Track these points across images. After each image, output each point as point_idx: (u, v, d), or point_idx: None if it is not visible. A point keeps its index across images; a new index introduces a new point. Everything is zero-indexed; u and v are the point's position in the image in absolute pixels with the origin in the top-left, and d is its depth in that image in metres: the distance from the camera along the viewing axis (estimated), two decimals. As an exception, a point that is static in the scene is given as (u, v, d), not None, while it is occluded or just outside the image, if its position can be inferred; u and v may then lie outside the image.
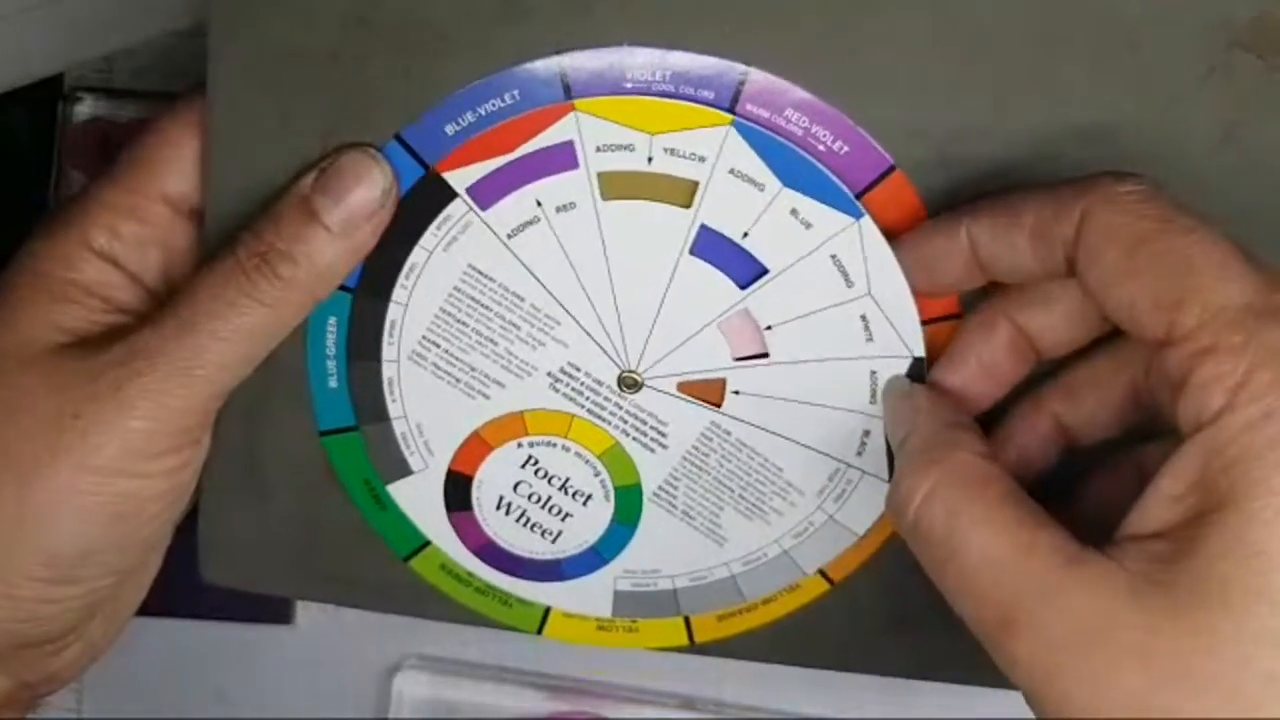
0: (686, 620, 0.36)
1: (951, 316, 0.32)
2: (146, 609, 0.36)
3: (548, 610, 0.36)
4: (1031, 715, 0.26)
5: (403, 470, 0.35)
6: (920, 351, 0.32)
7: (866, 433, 0.33)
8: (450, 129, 0.31)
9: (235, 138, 0.31)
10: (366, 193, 0.31)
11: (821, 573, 0.35)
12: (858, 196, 0.30)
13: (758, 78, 0.29)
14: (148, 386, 0.30)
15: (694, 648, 0.36)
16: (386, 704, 0.45)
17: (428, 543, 0.36)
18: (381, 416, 0.34)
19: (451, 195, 0.31)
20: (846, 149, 0.30)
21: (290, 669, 0.42)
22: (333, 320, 0.33)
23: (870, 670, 0.36)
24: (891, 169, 0.30)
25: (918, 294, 0.31)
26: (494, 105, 0.30)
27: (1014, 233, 0.28)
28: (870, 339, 0.32)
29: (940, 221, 0.30)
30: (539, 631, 0.37)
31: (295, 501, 0.35)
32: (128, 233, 0.32)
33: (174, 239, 0.33)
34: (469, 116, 0.30)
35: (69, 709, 0.47)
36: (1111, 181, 0.27)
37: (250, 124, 0.31)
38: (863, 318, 0.31)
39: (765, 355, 0.32)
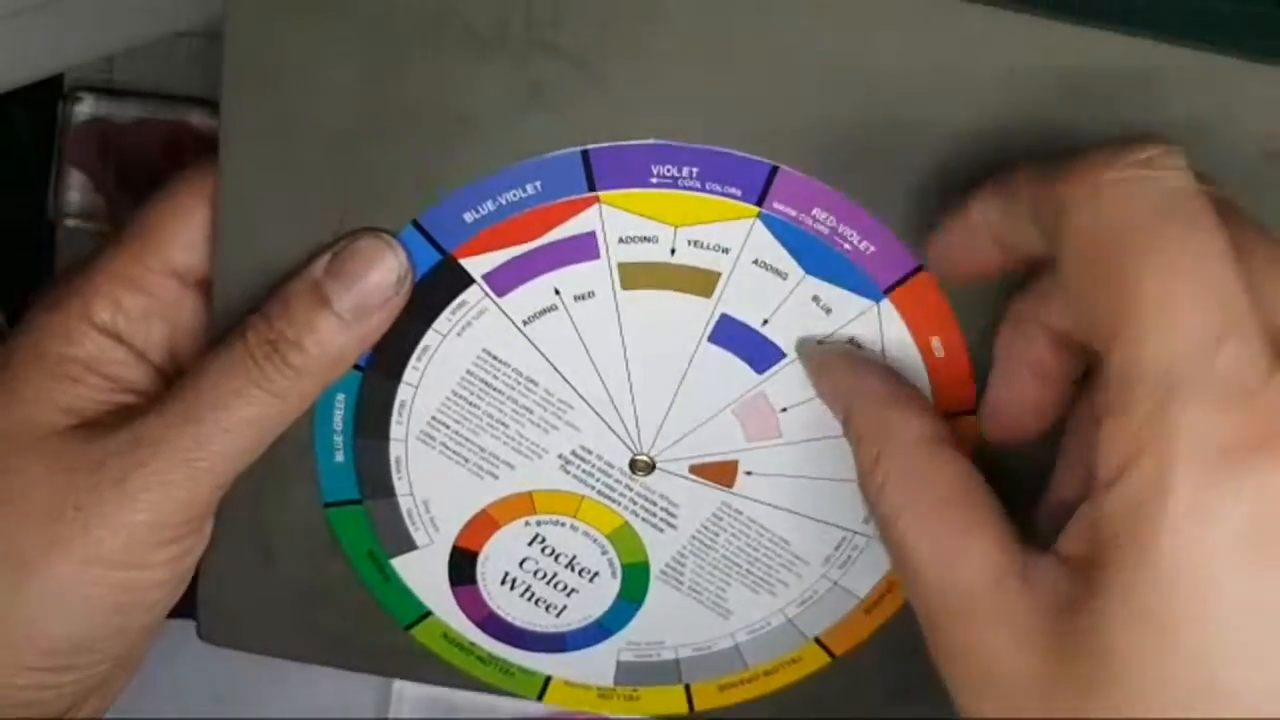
0: (687, 689, 0.36)
1: (967, 413, 0.32)
2: None
3: (548, 679, 0.36)
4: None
5: (407, 545, 0.34)
6: None
7: None
8: (470, 216, 0.30)
9: (246, 216, 0.30)
10: (380, 279, 0.30)
11: (823, 645, 0.35)
12: (884, 293, 0.30)
13: (786, 175, 0.29)
14: (151, 478, 0.30)
15: (693, 716, 0.37)
16: (386, 704, 0.45)
17: (429, 613, 0.35)
18: (388, 493, 0.33)
19: (469, 281, 0.31)
20: (873, 249, 0.30)
21: (290, 669, 0.41)
22: (341, 397, 0.32)
23: None
24: (918, 269, 0.30)
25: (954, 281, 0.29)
26: (516, 195, 0.30)
27: (1016, 211, 0.25)
28: None
29: (953, 209, 0.27)
30: (539, 698, 0.37)
31: (297, 569, 0.35)
32: (132, 306, 0.31)
33: (180, 313, 0.32)
34: (489, 205, 0.30)
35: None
36: (1104, 163, 0.23)
37: (262, 203, 0.30)
38: None
39: (779, 436, 0.32)
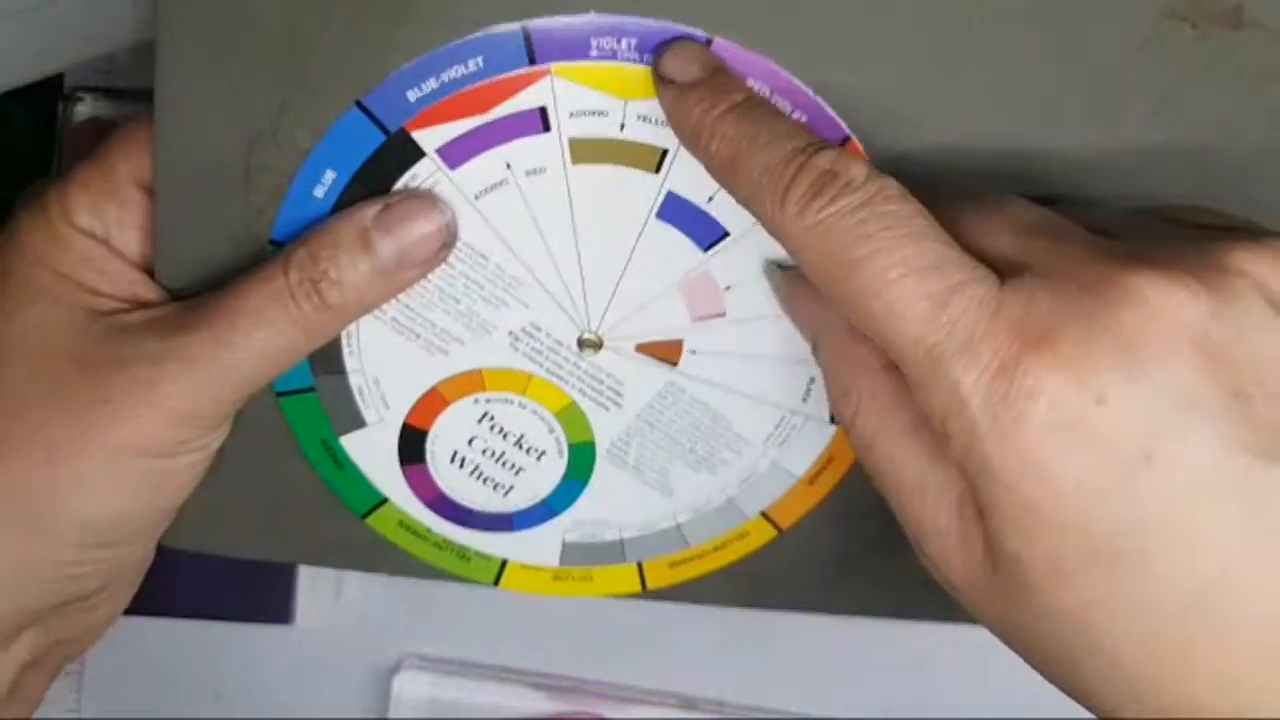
0: (640, 567, 0.37)
1: None
2: (146, 609, 0.36)
3: (504, 563, 0.37)
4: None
5: (358, 423, 0.35)
6: None
7: (812, 380, 0.34)
8: (413, 95, 0.30)
9: (184, 109, 0.31)
10: (426, 239, 0.31)
11: (769, 519, 0.37)
12: None
13: (720, 46, 0.30)
14: (177, 390, 0.31)
15: (647, 594, 0.38)
16: (386, 704, 0.46)
17: (384, 500, 0.36)
18: (338, 370, 0.34)
19: (420, 154, 0.31)
20: (805, 118, 0.31)
21: (290, 669, 0.42)
22: (290, 275, 0.33)
23: (820, 610, 0.38)
24: (846, 139, 0.31)
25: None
26: (458, 71, 0.30)
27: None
28: None
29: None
30: (496, 583, 0.37)
31: (253, 464, 0.35)
32: (109, 213, 0.32)
33: (151, 223, 0.33)
34: (432, 83, 0.30)
35: (69, 709, 0.46)
36: (797, 215, 0.27)
37: (200, 93, 0.30)
38: None
39: (723, 314, 0.33)
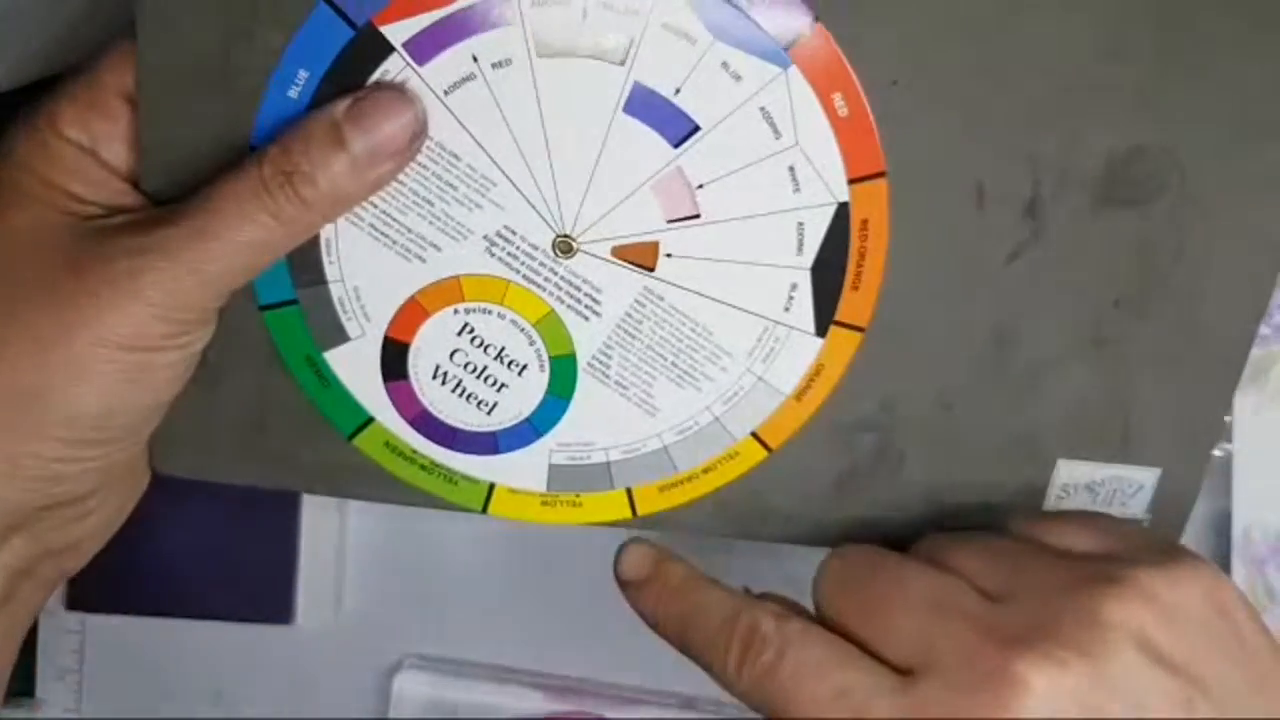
0: (629, 493, 0.37)
1: (877, 175, 0.33)
2: (147, 609, 0.37)
3: (492, 487, 0.37)
4: None
5: (340, 337, 0.35)
6: (845, 197, 0.33)
7: (794, 286, 0.34)
8: None
9: (162, 12, 0.32)
10: (396, 130, 0.32)
11: (758, 439, 0.36)
12: (785, 49, 0.31)
13: None
14: (160, 280, 0.31)
15: (637, 520, 0.37)
16: (386, 704, 0.46)
17: (370, 419, 0.36)
18: (319, 280, 0.34)
19: (389, 49, 0.32)
20: (770, 0, 0.31)
21: (290, 669, 0.42)
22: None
23: (817, 540, 0.37)
24: (814, 21, 0.31)
25: None
26: None
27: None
28: (797, 189, 0.33)
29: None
30: (484, 509, 0.37)
31: (239, 384, 0.36)
32: (96, 126, 0.33)
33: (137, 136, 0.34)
34: None
35: (69, 709, 0.47)
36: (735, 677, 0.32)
37: (175, 2, 0.32)
38: (790, 168, 0.32)
39: (697, 216, 0.33)
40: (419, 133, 0.32)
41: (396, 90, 0.32)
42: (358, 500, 0.37)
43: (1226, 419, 0.43)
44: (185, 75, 0.32)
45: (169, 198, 0.33)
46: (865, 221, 0.33)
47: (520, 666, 0.46)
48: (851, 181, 0.33)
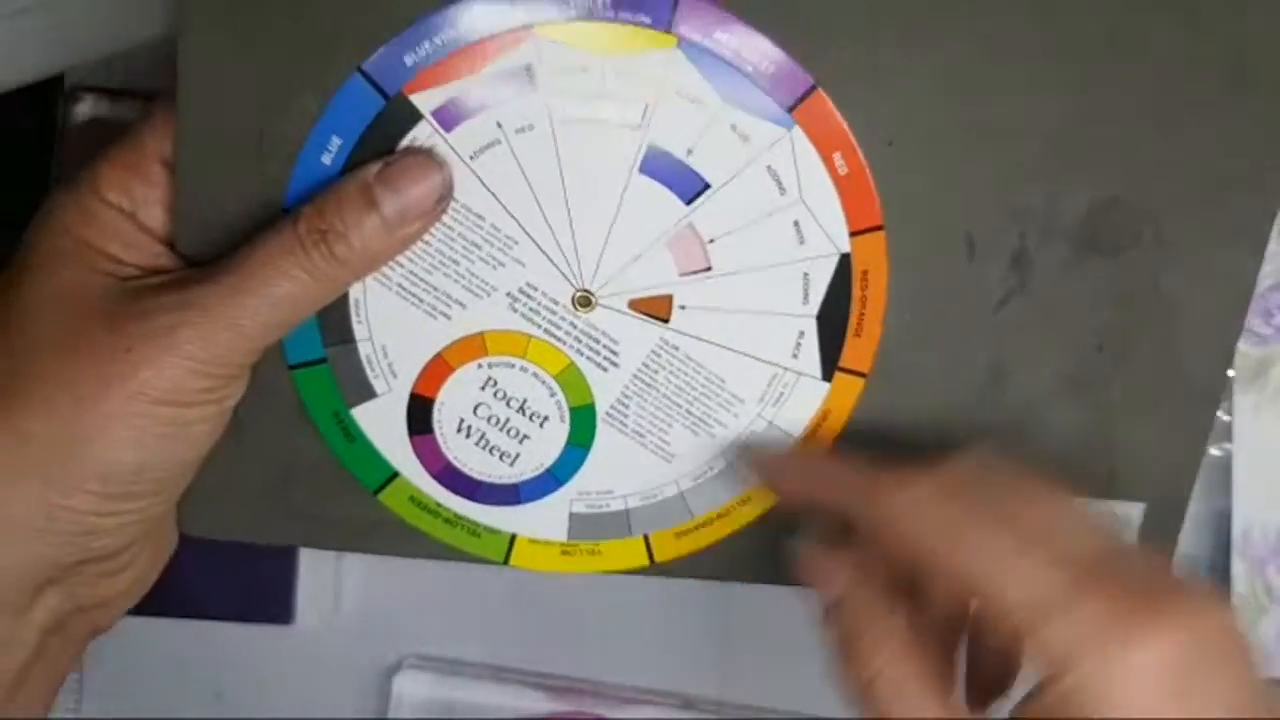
0: (646, 540, 0.38)
1: (874, 229, 0.35)
2: (147, 609, 0.37)
3: (513, 538, 0.38)
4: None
5: (367, 393, 0.36)
6: (846, 249, 0.35)
7: (801, 334, 0.36)
8: (410, 59, 0.33)
9: (203, 80, 0.34)
10: (424, 192, 0.34)
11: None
12: (788, 111, 0.34)
13: (688, 3, 0.33)
14: (196, 335, 0.33)
15: (655, 568, 0.38)
16: (386, 704, 0.46)
17: (395, 474, 0.37)
18: (347, 339, 0.36)
19: (418, 117, 0.34)
20: (771, 69, 0.33)
21: (290, 669, 0.42)
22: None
23: None
24: (814, 87, 0.34)
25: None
26: (450, 34, 0.33)
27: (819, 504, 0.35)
28: (802, 241, 0.35)
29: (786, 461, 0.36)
30: (505, 560, 0.38)
31: (266, 442, 0.37)
32: (136, 189, 0.35)
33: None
34: (426, 46, 0.33)
35: (69, 709, 0.47)
36: (892, 492, 0.32)
37: (217, 66, 0.33)
38: (795, 223, 0.35)
39: (709, 269, 0.35)
40: (446, 195, 0.34)
41: (425, 155, 0.34)
42: (385, 556, 0.38)
43: (1226, 419, 0.44)
44: (222, 141, 0.34)
45: (204, 259, 0.35)
46: (866, 272, 0.35)
47: (520, 666, 0.47)
48: (853, 234, 0.35)
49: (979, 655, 0.35)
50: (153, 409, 0.33)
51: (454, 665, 0.46)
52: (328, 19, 0.33)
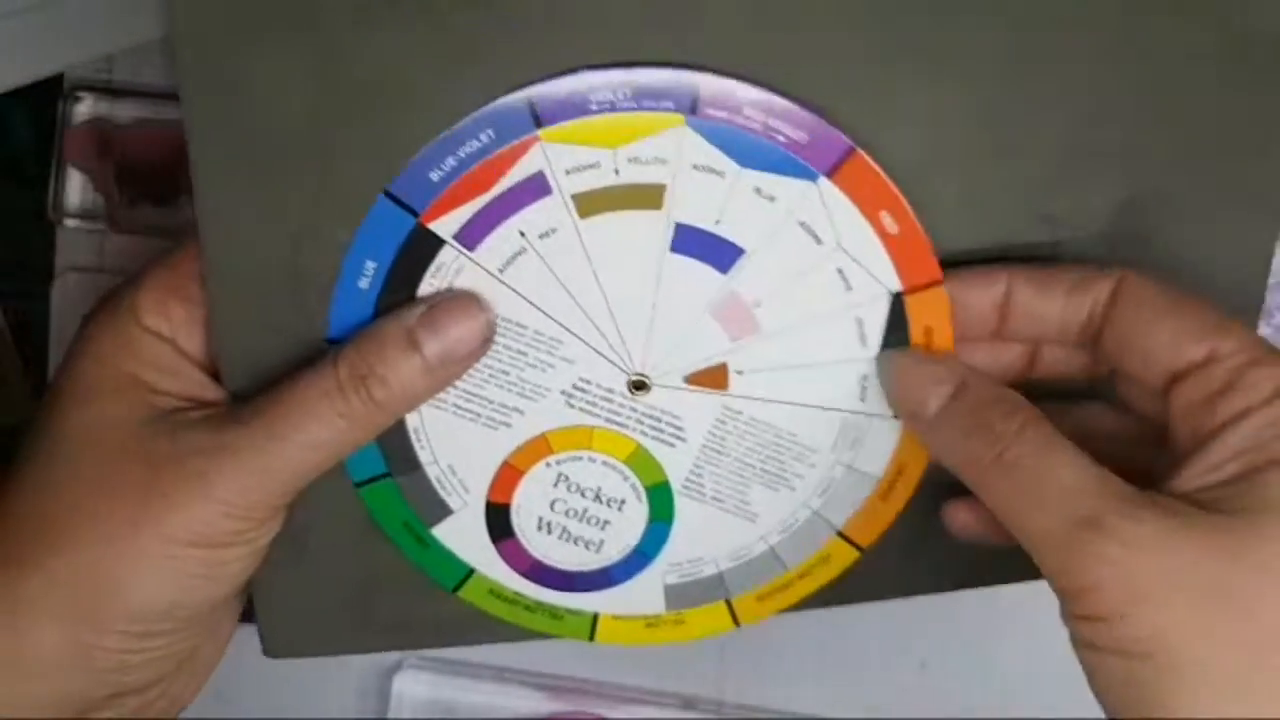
0: (729, 604, 0.38)
1: (935, 284, 0.34)
2: None
3: (596, 616, 0.38)
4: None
5: (443, 512, 0.36)
6: (896, 286, 0.34)
7: (864, 377, 0.35)
8: (435, 175, 0.33)
9: (225, 218, 0.33)
10: (467, 334, 0.33)
11: (849, 540, 0.37)
12: (827, 176, 0.33)
13: (710, 82, 0.32)
14: (229, 480, 0.33)
15: (740, 631, 0.38)
16: (386, 704, 0.46)
17: (472, 570, 0.37)
18: (414, 466, 0.36)
19: (440, 243, 0.33)
20: (806, 138, 0.32)
21: (290, 669, 0.43)
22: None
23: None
24: (852, 150, 0.33)
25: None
26: (472, 146, 0.32)
27: (1053, 286, 0.34)
28: (849, 288, 0.34)
29: (983, 269, 0.34)
30: (590, 638, 0.38)
31: (340, 557, 0.37)
32: (176, 313, 0.34)
33: None
34: (451, 161, 0.32)
35: None
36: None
37: (238, 202, 0.33)
38: (839, 270, 0.34)
39: (759, 331, 0.35)
40: (489, 337, 0.34)
41: (468, 298, 0.33)
42: (468, 647, 0.39)
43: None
44: (254, 277, 0.33)
45: (250, 395, 0.34)
46: (929, 329, 0.34)
47: (520, 666, 0.47)
48: (907, 293, 0.34)
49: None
50: (185, 551, 0.33)
51: (454, 665, 0.46)
52: (348, 146, 0.32)
